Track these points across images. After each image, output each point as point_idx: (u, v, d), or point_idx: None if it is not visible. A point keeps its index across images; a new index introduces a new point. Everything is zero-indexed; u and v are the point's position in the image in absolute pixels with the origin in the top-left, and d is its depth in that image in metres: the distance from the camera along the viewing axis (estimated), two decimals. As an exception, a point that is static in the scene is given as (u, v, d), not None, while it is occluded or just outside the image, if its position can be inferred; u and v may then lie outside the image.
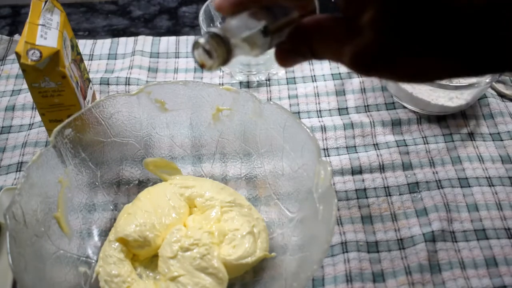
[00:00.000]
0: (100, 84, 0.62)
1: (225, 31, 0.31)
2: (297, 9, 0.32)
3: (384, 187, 0.53)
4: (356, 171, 0.54)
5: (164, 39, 0.69)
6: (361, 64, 0.30)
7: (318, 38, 0.32)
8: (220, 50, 0.31)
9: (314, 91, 0.62)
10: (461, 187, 0.53)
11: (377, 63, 0.30)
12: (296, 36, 0.33)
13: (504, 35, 0.26)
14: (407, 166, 0.54)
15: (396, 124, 0.58)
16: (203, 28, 0.58)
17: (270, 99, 0.61)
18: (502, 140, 0.57)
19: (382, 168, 0.54)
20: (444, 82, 0.55)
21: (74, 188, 0.47)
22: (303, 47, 0.33)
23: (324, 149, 0.56)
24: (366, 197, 0.52)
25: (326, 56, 0.33)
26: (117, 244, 0.45)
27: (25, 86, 0.63)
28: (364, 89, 0.62)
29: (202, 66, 0.32)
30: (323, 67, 0.65)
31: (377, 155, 0.55)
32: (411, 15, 0.27)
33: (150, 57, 0.66)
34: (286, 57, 0.35)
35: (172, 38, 0.69)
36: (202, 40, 0.31)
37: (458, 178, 0.53)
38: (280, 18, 0.32)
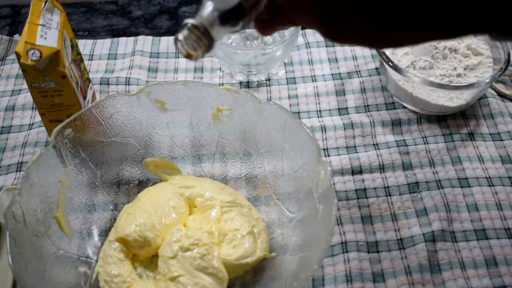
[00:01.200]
0: (100, 84, 0.62)
1: (201, 19, 0.30)
2: None
3: (384, 187, 0.53)
4: (356, 171, 0.54)
5: (164, 39, 0.69)
6: (333, 35, 0.32)
7: (292, 9, 0.33)
8: (202, 41, 0.30)
9: (314, 91, 0.62)
10: (461, 187, 0.53)
11: (347, 33, 0.32)
12: (272, 8, 0.34)
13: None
14: (407, 166, 0.54)
15: (396, 124, 0.58)
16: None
17: (270, 99, 0.61)
18: (502, 140, 0.57)
19: (382, 168, 0.54)
20: (444, 82, 0.55)
21: (74, 188, 0.47)
22: (280, 17, 0.35)
23: (324, 149, 0.56)
24: (366, 197, 0.52)
25: (302, 24, 0.35)
26: (117, 244, 0.45)
27: (25, 86, 0.63)
28: (364, 89, 0.62)
29: (188, 57, 0.32)
30: (323, 67, 0.65)
31: (377, 155, 0.55)
32: None
33: (150, 57, 0.66)
34: (266, 27, 0.37)
35: (172, 38, 0.69)
36: (181, 36, 0.31)
37: (458, 178, 0.53)
38: None
